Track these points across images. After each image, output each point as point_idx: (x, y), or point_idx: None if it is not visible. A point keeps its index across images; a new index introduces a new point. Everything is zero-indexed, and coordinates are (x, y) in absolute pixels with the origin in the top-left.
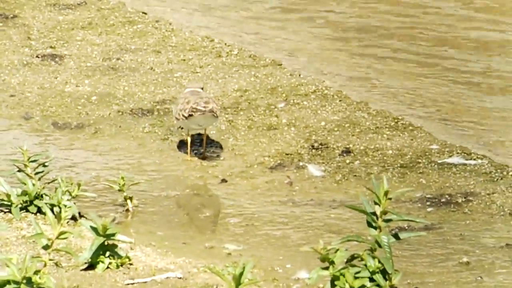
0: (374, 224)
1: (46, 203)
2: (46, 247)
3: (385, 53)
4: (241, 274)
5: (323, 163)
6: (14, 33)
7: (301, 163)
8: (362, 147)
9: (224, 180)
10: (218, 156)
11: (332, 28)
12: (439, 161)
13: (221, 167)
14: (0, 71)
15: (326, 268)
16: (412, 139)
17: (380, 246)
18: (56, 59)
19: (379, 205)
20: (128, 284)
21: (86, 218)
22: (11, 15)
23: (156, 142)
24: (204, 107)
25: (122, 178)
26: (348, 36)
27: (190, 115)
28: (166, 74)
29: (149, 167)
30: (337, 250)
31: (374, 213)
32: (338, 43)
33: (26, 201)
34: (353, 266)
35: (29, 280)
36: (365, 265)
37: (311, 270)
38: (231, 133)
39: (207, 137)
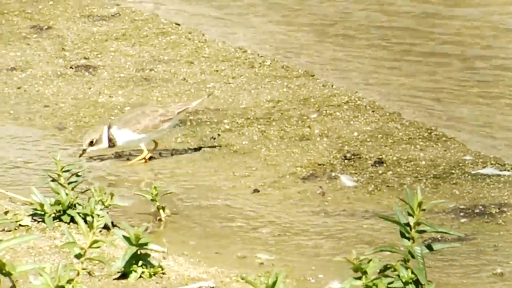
0: (407, 235)
1: (79, 213)
2: (79, 256)
3: (419, 66)
4: (274, 283)
5: (355, 173)
6: (48, 44)
7: (333, 174)
8: (395, 158)
9: (256, 190)
10: (250, 166)
11: (365, 39)
12: (473, 172)
13: (254, 177)
14: (34, 81)
15: (359, 278)
16: (445, 150)
17: (413, 256)
18: (90, 70)
19: (413, 216)
20: None
21: (119, 227)
22: (46, 27)
23: (189, 152)
24: None
25: (155, 188)
26: (381, 47)
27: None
28: (199, 84)
29: (181, 177)
30: (370, 260)
31: (407, 224)
32: (371, 54)
33: (59, 211)
34: (386, 276)
35: None
36: (398, 275)
37: (344, 280)
38: (263, 144)
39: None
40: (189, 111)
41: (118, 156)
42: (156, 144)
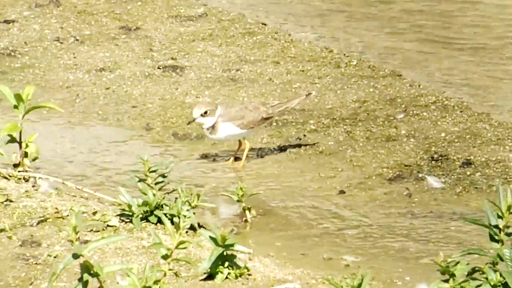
0: (496, 237)
1: (166, 213)
2: (165, 257)
3: (509, 63)
4: (359, 286)
5: (443, 174)
6: (136, 45)
7: (420, 175)
8: (483, 159)
9: (342, 191)
10: (336, 167)
11: (452, 39)
12: None
13: (339, 178)
14: (122, 82)
15: (446, 281)
16: None
17: (502, 259)
18: (177, 70)
19: (502, 219)
20: None
21: (205, 228)
22: (134, 27)
23: (275, 153)
24: None
25: (241, 188)
26: (469, 47)
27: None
28: (285, 85)
29: (267, 178)
30: (458, 262)
31: (496, 226)
32: (459, 54)
33: (146, 211)
34: (474, 279)
35: None
36: (486, 278)
37: (431, 283)
38: (349, 144)
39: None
40: (288, 110)
41: (204, 157)
42: (240, 144)
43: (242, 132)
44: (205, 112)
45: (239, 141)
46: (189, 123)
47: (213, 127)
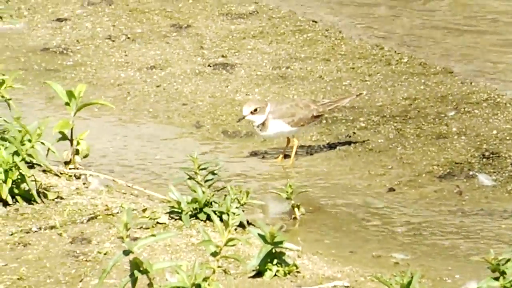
0: None
1: (214, 211)
2: (214, 254)
3: None
4: (409, 283)
5: (494, 172)
6: (187, 43)
7: (471, 172)
8: None
9: (392, 189)
10: (386, 165)
11: (505, 36)
12: None
13: (389, 175)
14: (173, 80)
15: (497, 279)
16: None
17: None
18: (227, 68)
19: None
20: None
21: (254, 225)
22: (185, 25)
23: (324, 150)
24: None
25: (290, 186)
26: None
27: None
28: (335, 82)
29: (317, 175)
30: (508, 260)
31: None
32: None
33: (196, 209)
34: None
35: (198, 287)
36: None
37: (481, 280)
38: (399, 142)
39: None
40: (339, 108)
41: (254, 154)
42: (289, 141)
43: (292, 130)
44: (255, 110)
45: (288, 138)
46: (238, 120)
47: (263, 124)
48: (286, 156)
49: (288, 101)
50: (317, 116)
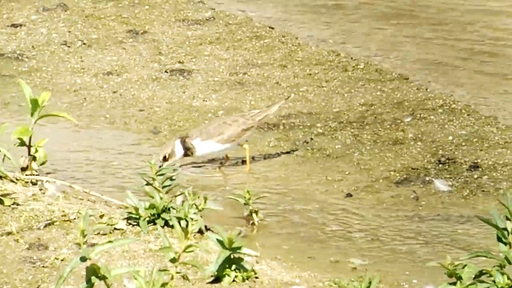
0: (504, 240)
1: (173, 216)
2: (173, 260)
3: None
4: None
5: (450, 178)
6: (143, 49)
7: (427, 178)
8: (490, 162)
9: (349, 195)
10: (343, 170)
11: (459, 41)
12: None
13: (347, 181)
14: (130, 86)
15: (454, 284)
16: None
17: (509, 262)
18: (184, 74)
19: (510, 221)
20: None
21: (212, 231)
22: (142, 31)
23: (281, 156)
24: None
25: (248, 192)
26: (477, 48)
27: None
28: (292, 88)
29: (274, 181)
30: (465, 265)
31: (505, 229)
32: (466, 56)
33: (153, 214)
34: (482, 282)
35: None
36: (494, 281)
37: (438, 285)
38: (356, 148)
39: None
40: (270, 118)
41: (211, 160)
42: (227, 157)
43: (225, 147)
44: (164, 157)
45: (226, 154)
46: (156, 173)
47: (188, 150)
48: (244, 162)
49: (216, 120)
50: (247, 129)
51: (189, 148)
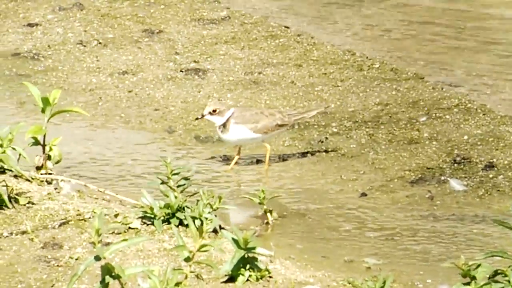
0: None
1: (188, 216)
2: (187, 260)
3: None
4: None
5: (465, 177)
6: (159, 48)
7: (442, 178)
8: (506, 162)
9: (364, 194)
10: (358, 170)
11: (476, 41)
12: None
13: (361, 181)
14: (145, 85)
15: (468, 284)
16: None
17: None
18: (200, 73)
19: None
20: None
21: (227, 230)
22: (157, 30)
23: (296, 155)
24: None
25: (263, 191)
26: (492, 48)
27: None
28: (307, 88)
29: (289, 180)
30: (479, 265)
31: None
32: (483, 56)
33: (168, 214)
34: (496, 282)
35: None
36: (509, 281)
37: (452, 285)
38: (371, 147)
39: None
40: (306, 120)
41: (226, 159)
42: (239, 151)
43: (255, 137)
44: (214, 111)
45: (239, 148)
46: (196, 118)
47: (224, 126)
48: (258, 161)
49: (254, 109)
50: (281, 125)
51: (226, 124)
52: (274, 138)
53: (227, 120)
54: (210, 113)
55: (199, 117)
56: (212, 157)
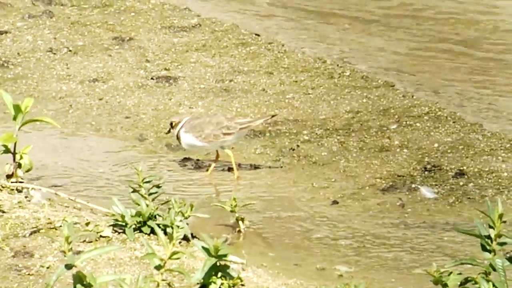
0: (488, 248)
1: (159, 224)
2: (158, 268)
3: (501, 73)
4: None
5: (436, 185)
6: (130, 56)
7: (413, 185)
8: (476, 169)
9: (335, 202)
10: (329, 177)
11: (446, 48)
12: None
13: (333, 188)
14: (116, 93)
15: None
16: None
17: (494, 269)
18: (170, 81)
19: (493, 228)
20: None
21: (198, 238)
22: (128, 38)
23: (268, 163)
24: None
25: (234, 199)
26: (462, 54)
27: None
28: (278, 95)
29: (260, 188)
30: (451, 273)
31: (488, 236)
32: (452, 63)
33: (140, 222)
34: None
35: None
36: None
37: None
38: (342, 155)
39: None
40: (252, 128)
41: (197, 167)
42: (218, 156)
43: (201, 145)
44: (171, 124)
45: (217, 152)
46: (166, 133)
47: (177, 137)
48: (230, 169)
49: (205, 116)
50: (227, 134)
51: (178, 136)
52: (245, 146)
53: (179, 129)
54: (171, 126)
55: (167, 132)
56: (184, 165)
